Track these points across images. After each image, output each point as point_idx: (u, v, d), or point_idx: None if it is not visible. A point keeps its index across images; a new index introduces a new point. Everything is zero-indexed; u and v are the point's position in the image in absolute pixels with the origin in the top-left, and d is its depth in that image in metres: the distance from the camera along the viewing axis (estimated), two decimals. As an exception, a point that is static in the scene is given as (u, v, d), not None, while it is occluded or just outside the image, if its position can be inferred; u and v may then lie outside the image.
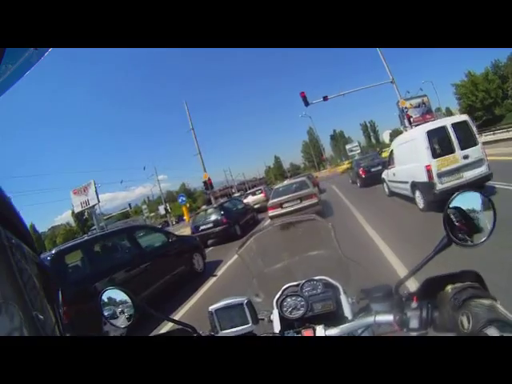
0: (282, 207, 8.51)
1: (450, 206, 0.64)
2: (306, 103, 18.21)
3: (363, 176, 12.54)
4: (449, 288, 0.64)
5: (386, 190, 8.86)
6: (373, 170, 12.35)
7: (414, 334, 0.68)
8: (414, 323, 0.68)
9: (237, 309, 0.92)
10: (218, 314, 0.93)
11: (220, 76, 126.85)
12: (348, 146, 63.86)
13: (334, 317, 0.92)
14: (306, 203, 8.20)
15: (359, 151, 59.63)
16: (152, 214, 59.97)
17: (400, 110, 27.79)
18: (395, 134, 65.92)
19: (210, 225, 9.96)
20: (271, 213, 8.68)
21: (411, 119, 20.23)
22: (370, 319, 0.75)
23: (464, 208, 0.63)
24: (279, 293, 1.05)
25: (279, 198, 8.81)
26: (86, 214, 48.75)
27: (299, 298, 0.96)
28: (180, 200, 19.52)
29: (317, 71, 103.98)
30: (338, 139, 70.35)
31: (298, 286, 1.04)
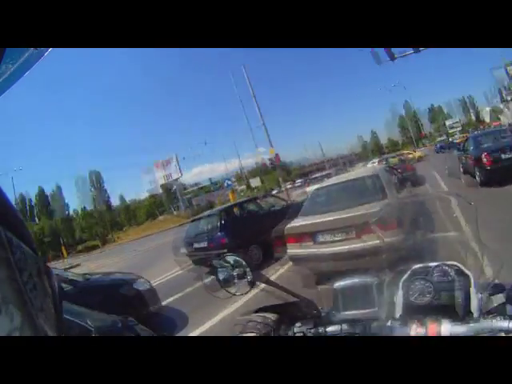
0: (314, 241, 3.69)
1: None
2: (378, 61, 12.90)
3: (488, 166, 6.63)
4: None
5: None
6: (504, 156, 6.54)
7: None
8: None
9: (364, 289, 0.82)
10: (342, 292, 0.85)
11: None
12: (448, 122, 53.65)
13: (458, 310, 0.81)
14: (364, 244, 2.86)
15: (460, 128, 49.70)
16: (243, 187, 57.17)
17: (498, 80, 18.81)
18: (496, 111, 50.58)
19: (205, 243, 5.80)
20: (291, 249, 3.96)
21: None
22: (503, 323, 0.68)
23: None
24: (407, 273, 0.91)
25: (312, 219, 3.83)
26: (173, 186, 48.94)
27: (427, 283, 0.84)
28: (225, 184, 16.33)
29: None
30: (437, 115, 59.43)
31: (427, 268, 0.92)
